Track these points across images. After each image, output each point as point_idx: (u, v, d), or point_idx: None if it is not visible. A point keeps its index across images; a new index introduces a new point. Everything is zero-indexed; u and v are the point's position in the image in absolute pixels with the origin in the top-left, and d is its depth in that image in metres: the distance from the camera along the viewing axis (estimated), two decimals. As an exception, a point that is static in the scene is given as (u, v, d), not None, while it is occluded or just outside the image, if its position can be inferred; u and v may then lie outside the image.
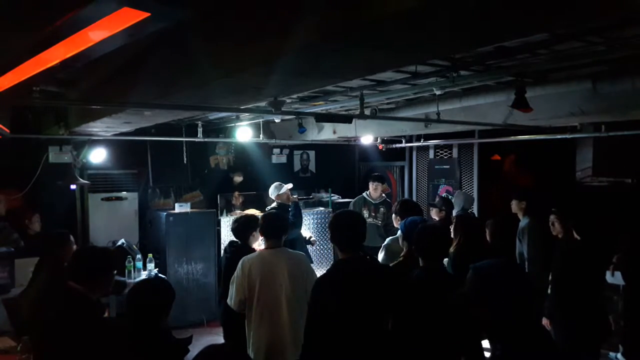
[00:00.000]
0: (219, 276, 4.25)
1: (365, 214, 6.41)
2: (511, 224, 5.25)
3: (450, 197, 6.36)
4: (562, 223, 4.23)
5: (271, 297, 3.41)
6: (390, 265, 3.78)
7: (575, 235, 4.20)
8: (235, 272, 3.49)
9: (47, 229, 5.62)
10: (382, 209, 6.51)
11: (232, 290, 3.50)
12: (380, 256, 4.54)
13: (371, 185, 6.56)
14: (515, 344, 3.05)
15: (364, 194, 6.65)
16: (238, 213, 6.87)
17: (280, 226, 3.67)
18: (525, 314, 3.11)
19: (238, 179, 8.07)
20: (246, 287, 3.42)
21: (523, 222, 5.31)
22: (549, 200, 5.10)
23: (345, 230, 2.87)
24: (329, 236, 3.08)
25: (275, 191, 5.93)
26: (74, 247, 3.95)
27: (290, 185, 6.00)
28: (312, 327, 2.72)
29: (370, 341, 2.67)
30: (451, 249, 4.49)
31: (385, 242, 4.60)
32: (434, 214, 5.48)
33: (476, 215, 7.53)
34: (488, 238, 4.14)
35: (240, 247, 4.07)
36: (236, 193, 7.60)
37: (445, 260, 4.53)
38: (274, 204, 5.96)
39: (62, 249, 3.87)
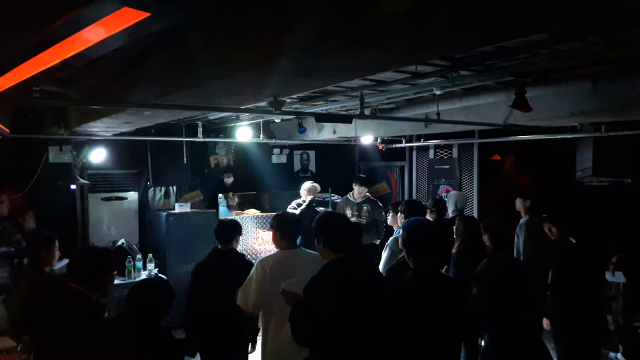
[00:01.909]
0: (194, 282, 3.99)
1: (348, 213, 6.64)
2: (509, 226, 5.28)
3: (446, 197, 6.39)
4: (557, 227, 4.25)
5: None
6: (392, 265, 3.78)
7: (571, 238, 4.21)
8: (254, 274, 3.33)
9: (46, 228, 5.62)
10: (365, 207, 6.70)
11: (250, 291, 3.32)
12: (384, 255, 4.54)
13: (354, 187, 6.85)
14: (505, 340, 3.06)
15: (348, 195, 6.94)
16: (238, 213, 6.89)
17: (298, 226, 3.59)
18: (523, 315, 3.10)
19: (228, 180, 7.91)
20: (267, 289, 3.24)
21: (524, 218, 5.53)
22: (552, 199, 5.12)
23: (333, 230, 2.83)
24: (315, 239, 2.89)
25: (304, 186, 6.78)
26: (58, 252, 3.97)
27: (318, 187, 6.84)
28: (301, 322, 2.70)
29: (362, 341, 2.65)
30: (453, 250, 4.49)
31: (388, 242, 4.60)
32: (426, 215, 5.50)
33: (475, 215, 7.53)
34: (486, 241, 4.14)
35: (228, 251, 3.96)
36: (230, 194, 7.57)
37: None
38: (300, 199, 6.76)
39: (46, 250, 3.88)
